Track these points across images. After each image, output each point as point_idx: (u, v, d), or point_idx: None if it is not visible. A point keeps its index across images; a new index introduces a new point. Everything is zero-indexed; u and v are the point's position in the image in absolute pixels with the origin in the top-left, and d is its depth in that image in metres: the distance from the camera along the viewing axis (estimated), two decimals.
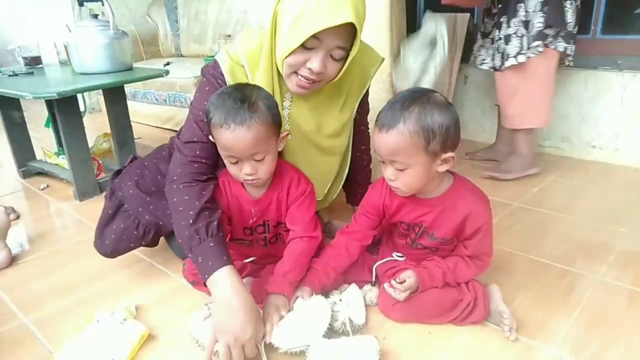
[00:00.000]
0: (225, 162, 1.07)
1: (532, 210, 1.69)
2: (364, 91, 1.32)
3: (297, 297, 1.07)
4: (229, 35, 2.76)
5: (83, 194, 1.90)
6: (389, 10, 1.57)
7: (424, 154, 0.93)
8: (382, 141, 0.95)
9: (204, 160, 1.12)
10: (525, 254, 1.38)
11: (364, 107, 1.40)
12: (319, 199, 1.33)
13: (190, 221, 1.03)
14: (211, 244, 1.02)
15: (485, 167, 2.07)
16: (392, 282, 1.05)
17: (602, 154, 2.14)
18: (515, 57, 1.76)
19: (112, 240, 1.27)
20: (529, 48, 1.72)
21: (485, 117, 2.44)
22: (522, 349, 1.01)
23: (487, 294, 1.09)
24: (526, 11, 1.71)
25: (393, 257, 1.20)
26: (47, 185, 2.09)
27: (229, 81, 1.14)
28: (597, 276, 1.26)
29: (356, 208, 1.55)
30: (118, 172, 1.35)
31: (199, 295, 1.21)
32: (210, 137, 1.08)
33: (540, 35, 1.71)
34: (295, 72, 1.08)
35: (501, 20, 1.80)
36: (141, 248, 1.33)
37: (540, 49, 1.71)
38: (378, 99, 1.69)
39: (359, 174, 1.48)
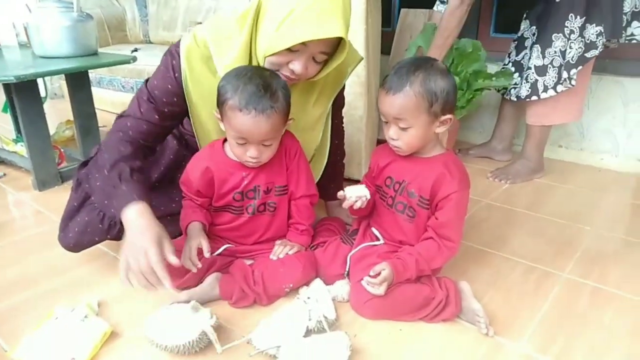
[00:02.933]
0: (231, 140, 1.09)
1: (502, 207, 1.71)
2: (339, 88, 1.30)
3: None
4: (200, 23, 2.68)
5: (43, 184, 1.81)
6: (364, 4, 1.56)
7: (426, 114, 1.03)
8: (389, 102, 1.03)
9: (130, 133, 1.13)
10: (494, 251, 1.40)
11: (338, 101, 1.38)
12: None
13: (105, 172, 1.07)
14: (123, 187, 1.03)
15: (485, 167, 2.08)
16: (367, 278, 1.05)
17: (569, 154, 2.20)
18: (554, 88, 1.73)
19: (76, 234, 1.21)
20: (569, 78, 1.70)
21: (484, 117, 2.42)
22: (491, 346, 1.02)
23: (459, 292, 1.09)
24: (566, 39, 1.67)
25: (368, 243, 1.21)
26: (4, 174, 1.98)
27: (183, 62, 1.11)
28: (563, 274, 1.29)
29: (330, 203, 1.56)
30: (85, 163, 1.28)
31: (165, 292, 1.16)
32: (145, 114, 1.13)
33: (582, 59, 1.68)
34: (277, 71, 1.08)
35: (532, 47, 1.78)
36: (106, 241, 1.28)
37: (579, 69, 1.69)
38: (352, 92, 1.68)
39: (330, 168, 1.47)
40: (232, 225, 1.23)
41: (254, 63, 1.10)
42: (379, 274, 1.04)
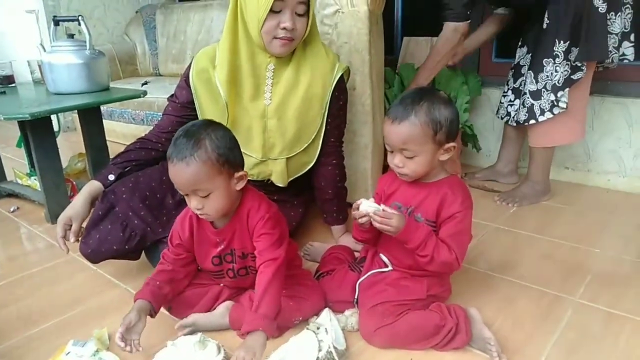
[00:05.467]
0: None
1: (509, 231, 1.71)
2: (328, 90, 1.38)
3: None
4: None
5: (55, 217, 1.82)
6: (367, 35, 1.60)
7: (431, 143, 1.05)
8: (395, 131, 1.06)
9: (153, 132, 1.43)
10: (503, 276, 1.40)
11: (334, 119, 1.43)
12: (298, 149, 1.42)
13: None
14: (110, 164, 1.34)
15: (490, 190, 2.08)
16: (380, 207, 1.06)
17: (575, 175, 2.20)
18: (550, 110, 1.76)
19: (96, 241, 1.27)
20: (557, 100, 1.73)
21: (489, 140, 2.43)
22: None
23: (469, 319, 1.09)
24: (554, 63, 1.71)
25: (377, 270, 1.20)
26: (18, 208, 2.02)
27: (193, 60, 1.38)
28: (575, 298, 1.28)
29: (335, 228, 1.57)
30: None
31: (175, 323, 1.17)
32: (166, 110, 1.44)
33: (568, 81, 1.71)
34: (274, 37, 1.25)
35: (526, 73, 1.82)
36: (116, 273, 1.30)
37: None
38: (357, 120, 1.71)
39: (331, 188, 1.50)
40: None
41: (241, 40, 1.31)
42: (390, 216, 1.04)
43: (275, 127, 1.37)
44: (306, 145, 1.42)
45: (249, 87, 1.34)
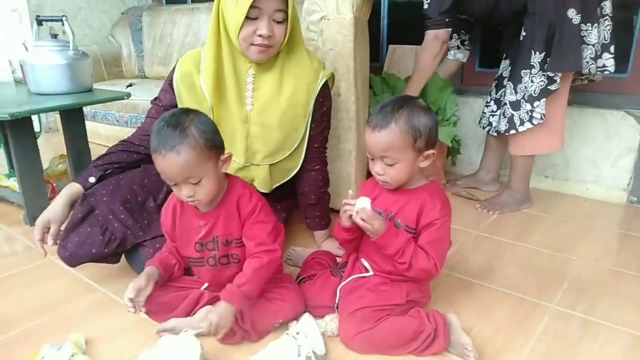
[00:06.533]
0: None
1: (490, 238, 1.73)
2: (312, 97, 1.39)
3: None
4: None
5: (34, 219, 1.77)
6: (352, 42, 1.62)
7: (411, 150, 1.07)
8: (375, 139, 1.07)
9: (135, 135, 1.42)
10: (483, 283, 1.41)
11: (318, 125, 1.44)
12: (282, 156, 1.42)
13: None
14: (90, 167, 1.33)
15: (472, 197, 2.11)
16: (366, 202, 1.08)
17: (554, 184, 2.24)
18: (530, 121, 1.78)
19: (75, 244, 1.25)
20: (532, 110, 1.76)
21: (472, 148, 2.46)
22: None
23: (447, 325, 1.10)
24: (530, 74, 1.74)
25: (358, 275, 1.21)
26: None
27: (178, 68, 1.37)
28: (551, 305, 1.30)
29: (317, 233, 1.57)
30: None
31: (154, 327, 1.16)
32: (149, 113, 1.44)
33: (545, 92, 1.73)
34: (251, 44, 1.26)
35: (506, 84, 1.86)
36: (96, 276, 1.28)
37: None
38: (342, 127, 1.72)
39: (314, 194, 1.51)
40: (201, 276, 1.22)
41: (223, 45, 1.32)
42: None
43: (257, 133, 1.37)
44: (289, 152, 1.42)
45: (232, 92, 1.35)
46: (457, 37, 2.10)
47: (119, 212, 1.29)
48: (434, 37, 1.81)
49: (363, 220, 1.06)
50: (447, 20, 1.79)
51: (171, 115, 1.04)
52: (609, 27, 1.72)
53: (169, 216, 1.17)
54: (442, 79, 2.11)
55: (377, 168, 1.11)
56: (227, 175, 1.15)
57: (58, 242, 1.27)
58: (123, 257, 1.38)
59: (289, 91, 1.36)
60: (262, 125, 1.37)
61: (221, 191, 1.13)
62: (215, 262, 1.18)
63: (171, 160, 0.99)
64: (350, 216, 1.10)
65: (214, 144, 1.05)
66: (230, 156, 1.11)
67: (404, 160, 1.07)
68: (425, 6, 1.79)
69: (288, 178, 1.48)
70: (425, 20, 1.81)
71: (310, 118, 1.41)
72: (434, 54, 1.84)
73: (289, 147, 1.41)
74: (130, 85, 2.95)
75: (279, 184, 1.47)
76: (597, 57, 1.74)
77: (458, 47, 2.14)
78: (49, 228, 1.25)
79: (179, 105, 1.37)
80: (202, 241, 1.16)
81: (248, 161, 1.40)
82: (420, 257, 1.08)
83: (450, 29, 1.82)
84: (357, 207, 1.08)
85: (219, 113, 1.36)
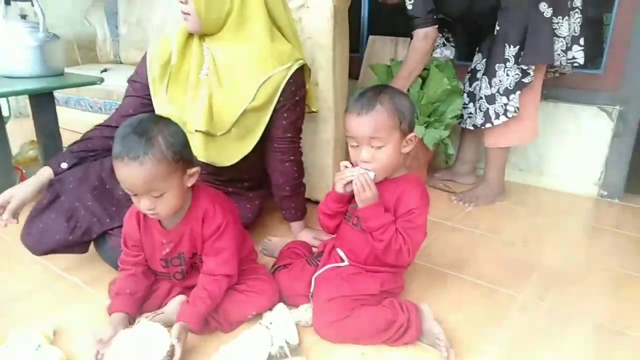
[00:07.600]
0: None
1: (464, 230, 1.76)
2: (263, 79, 1.33)
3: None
4: None
5: None
6: (332, 31, 1.60)
7: (398, 131, 1.08)
8: (362, 123, 1.07)
9: (111, 117, 1.40)
10: (456, 273, 1.43)
11: (290, 114, 1.41)
12: (223, 131, 1.34)
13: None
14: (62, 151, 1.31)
15: (448, 190, 2.13)
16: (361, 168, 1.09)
17: (528, 177, 2.28)
18: (504, 114, 1.80)
19: (39, 231, 1.22)
20: (507, 103, 1.78)
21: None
22: None
23: (420, 314, 1.11)
24: (505, 67, 1.76)
25: (333, 264, 1.21)
26: None
27: (150, 47, 1.38)
28: (522, 295, 1.33)
29: (293, 224, 1.56)
30: None
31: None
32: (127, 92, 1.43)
33: (519, 85, 1.75)
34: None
35: (481, 78, 1.87)
36: (65, 264, 1.25)
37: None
38: (319, 117, 1.71)
39: (289, 185, 1.49)
40: (171, 289, 1.19)
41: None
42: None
43: (202, 101, 1.30)
44: (229, 129, 1.33)
45: (194, 58, 1.36)
46: (441, 35, 2.10)
47: (86, 200, 1.26)
48: (425, 35, 1.80)
49: (361, 184, 1.07)
50: (434, 17, 1.79)
51: (139, 121, 0.97)
52: (578, 20, 1.75)
53: (134, 226, 1.11)
54: (455, 82, 1.98)
55: (363, 154, 1.08)
56: (192, 186, 1.07)
57: (14, 219, 1.22)
58: (92, 246, 1.34)
59: (236, 63, 1.34)
60: (208, 96, 1.31)
61: (185, 205, 1.08)
62: (182, 276, 1.16)
63: (133, 171, 0.93)
64: (346, 184, 1.10)
65: (181, 157, 0.98)
66: (198, 171, 1.05)
67: (392, 141, 1.08)
68: (410, 7, 1.78)
69: (227, 163, 1.38)
70: (412, 20, 1.80)
71: (273, 107, 1.37)
72: (425, 52, 1.83)
73: (230, 122, 1.33)
74: (105, 70, 2.87)
75: (242, 166, 1.40)
76: (567, 50, 1.77)
77: (444, 44, 2.14)
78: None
79: (149, 71, 1.35)
80: (167, 258, 1.12)
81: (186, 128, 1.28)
82: (399, 239, 1.09)
83: (437, 26, 1.82)
84: (360, 171, 1.08)
85: (176, 74, 1.36)
